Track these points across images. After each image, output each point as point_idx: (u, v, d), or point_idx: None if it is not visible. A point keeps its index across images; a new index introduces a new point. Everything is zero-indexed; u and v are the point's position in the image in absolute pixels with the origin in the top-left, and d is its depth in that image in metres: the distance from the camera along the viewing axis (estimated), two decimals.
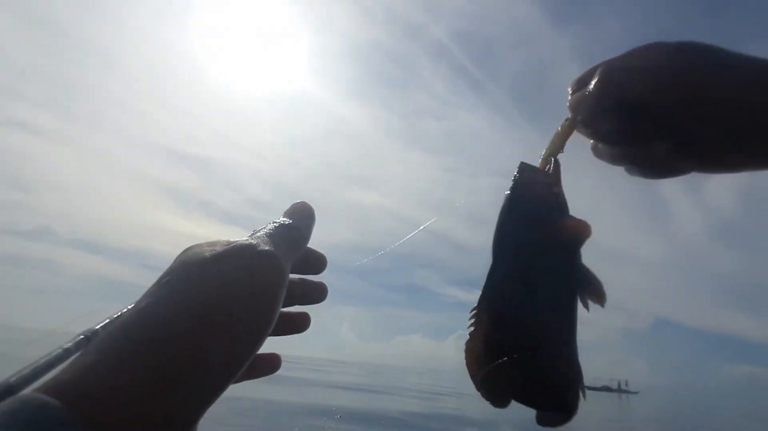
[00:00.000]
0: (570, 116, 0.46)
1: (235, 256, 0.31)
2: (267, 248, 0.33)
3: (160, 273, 0.31)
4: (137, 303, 0.29)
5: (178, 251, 0.33)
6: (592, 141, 0.48)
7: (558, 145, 0.45)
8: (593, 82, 0.44)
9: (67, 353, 0.29)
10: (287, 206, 0.41)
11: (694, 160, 0.44)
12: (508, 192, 0.43)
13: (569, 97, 0.47)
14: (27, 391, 0.24)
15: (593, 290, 0.39)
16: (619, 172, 0.47)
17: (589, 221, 0.40)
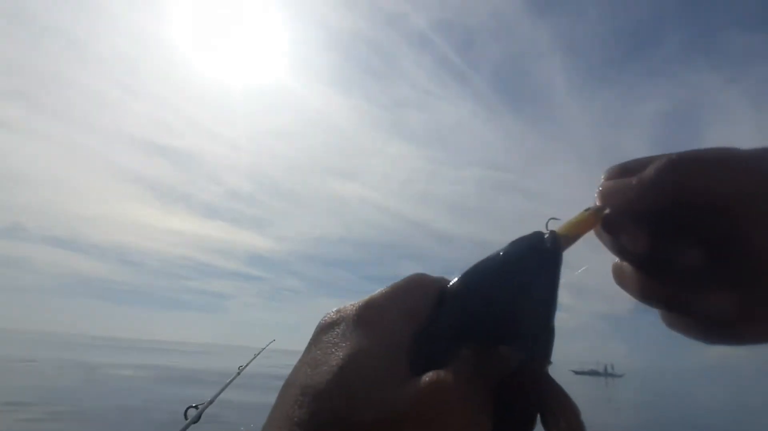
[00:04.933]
0: (596, 205, 0.33)
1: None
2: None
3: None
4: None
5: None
6: (615, 257, 0.34)
7: (573, 234, 0.33)
8: (649, 170, 0.31)
9: None
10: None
11: None
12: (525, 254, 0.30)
13: (602, 184, 0.34)
14: None
15: (560, 422, 0.27)
16: None
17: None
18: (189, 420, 1.25)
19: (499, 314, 0.28)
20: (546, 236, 0.31)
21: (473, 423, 0.24)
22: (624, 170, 0.34)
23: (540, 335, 0.28)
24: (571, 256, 0.32)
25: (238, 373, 1.77)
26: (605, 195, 0.33)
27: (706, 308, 0.31)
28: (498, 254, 0.31)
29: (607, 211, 0.33)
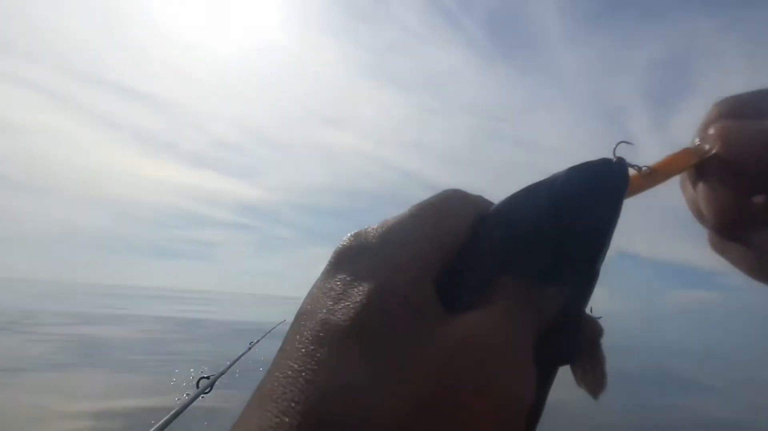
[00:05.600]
0: (702, 145, 0.27)
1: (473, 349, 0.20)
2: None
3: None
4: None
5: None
6: (711, 221, 0.27)
7: (660, 171, 0.28)
8: None
9: None
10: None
11: None
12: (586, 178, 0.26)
13: (713, 120, 0.27)
14: None
15: (590, 373, 0.26)
16: None
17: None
18: (200, 389, 1.29)
19: (547, 246, 0.24)
20: (613, 162, 0.26)
21: (517, 373, 0.21)
22: (747, 107, 0.26)
23: (585, 275, 0.25)
24: None
25: (249, 348, 1.81)
26: (722, 138, 0.25)
27: None
28: (554, 178, 0.26)
29: (712, 152, 0.26)
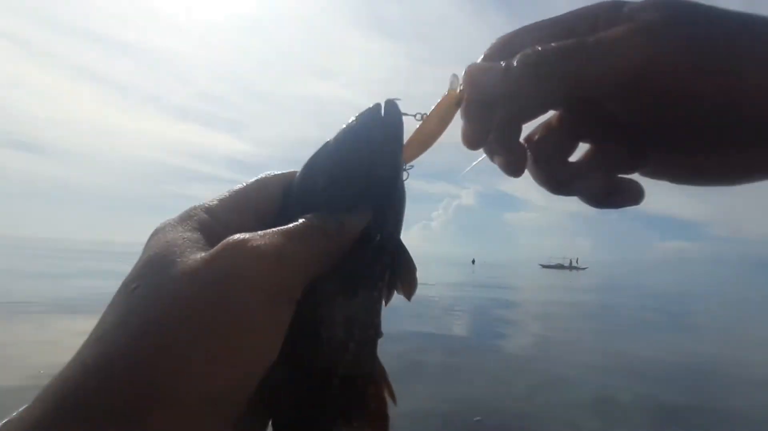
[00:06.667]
0: (456, 87, 0.29)
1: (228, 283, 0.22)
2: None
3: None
4: (101, 322, 0.23)
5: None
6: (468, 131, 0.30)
7: (438, 115, 0.30)
8: (516, 59, 0.26)
9: None
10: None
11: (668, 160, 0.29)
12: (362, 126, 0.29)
13: (471, 64, 0.29)
14: None
15: (402, 277, 0.30)
16: None
17: None
18: None
19: (339, 194, 0.28)
20: (384, 105, 0.29)
21: (281, 287, 0.24)
22: (507, 46, 0.29)
23: (384, 208, 0.29)
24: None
25: None
26: (466, 80, 0.29)
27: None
28: (340, 131, 0.30)
29: (464, 94, 0.29)
